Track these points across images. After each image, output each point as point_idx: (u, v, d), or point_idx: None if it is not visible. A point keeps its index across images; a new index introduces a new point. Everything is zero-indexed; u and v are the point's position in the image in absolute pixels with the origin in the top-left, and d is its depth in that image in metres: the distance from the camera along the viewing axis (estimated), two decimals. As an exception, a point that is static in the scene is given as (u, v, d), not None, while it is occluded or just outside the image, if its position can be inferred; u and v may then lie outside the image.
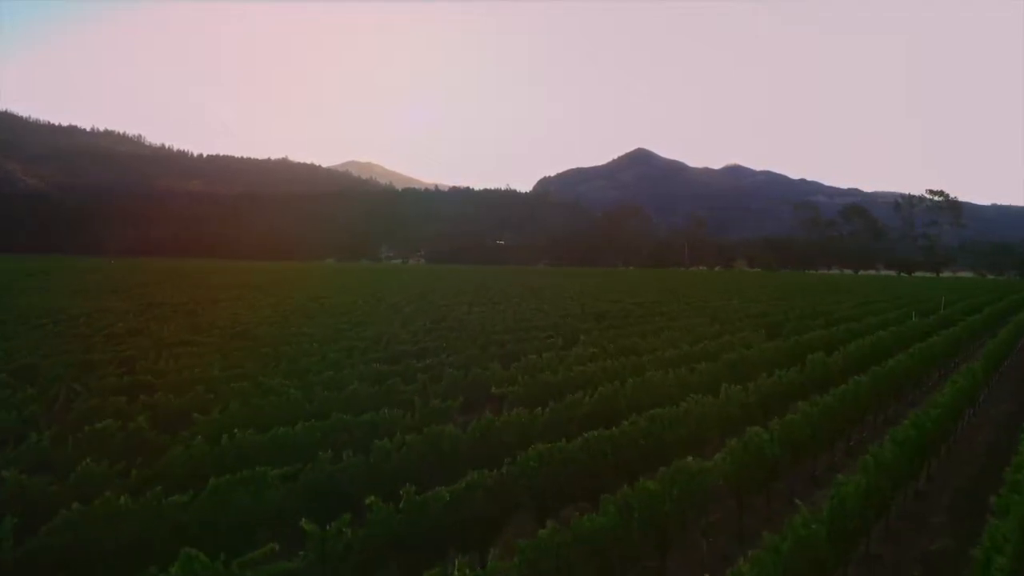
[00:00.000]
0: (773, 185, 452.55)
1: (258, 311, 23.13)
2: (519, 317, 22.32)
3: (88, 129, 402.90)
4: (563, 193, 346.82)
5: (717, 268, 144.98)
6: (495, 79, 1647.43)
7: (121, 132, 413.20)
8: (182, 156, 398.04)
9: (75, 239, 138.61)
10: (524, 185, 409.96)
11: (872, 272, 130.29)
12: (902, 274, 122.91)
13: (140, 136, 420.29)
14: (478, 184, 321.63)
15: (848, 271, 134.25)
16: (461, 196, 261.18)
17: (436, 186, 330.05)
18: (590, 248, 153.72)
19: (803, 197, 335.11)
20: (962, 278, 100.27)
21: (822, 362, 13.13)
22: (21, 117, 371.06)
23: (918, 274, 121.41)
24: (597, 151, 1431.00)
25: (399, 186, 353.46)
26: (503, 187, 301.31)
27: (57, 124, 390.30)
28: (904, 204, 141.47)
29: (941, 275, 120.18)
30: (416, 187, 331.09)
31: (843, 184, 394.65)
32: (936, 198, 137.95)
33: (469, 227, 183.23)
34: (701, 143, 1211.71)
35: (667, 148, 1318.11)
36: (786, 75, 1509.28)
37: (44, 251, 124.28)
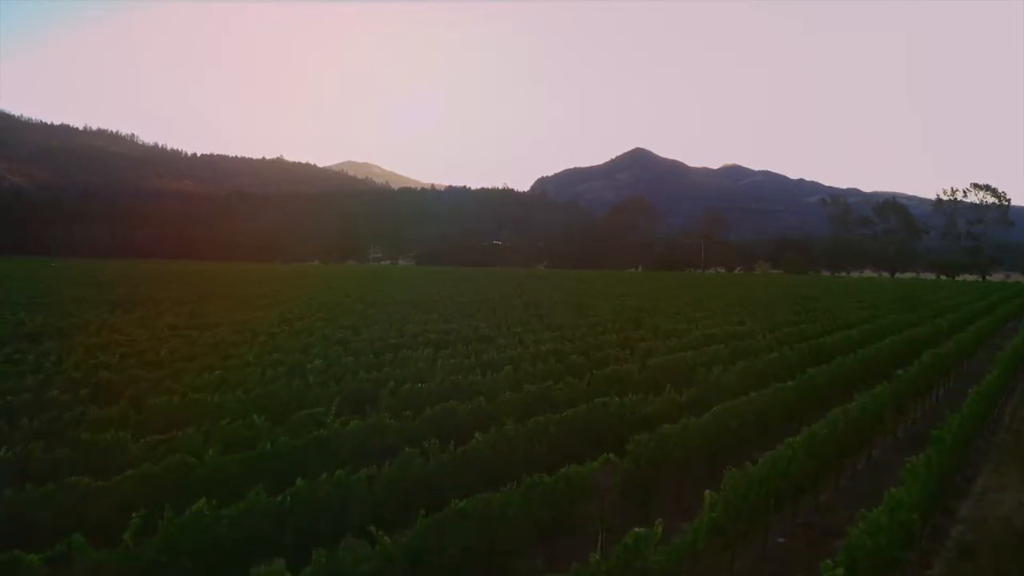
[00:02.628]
0: (772, 185, 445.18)
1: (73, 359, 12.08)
2: (522, 390, 10.61)
3: (81, 128, 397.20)
4: (561, 193, 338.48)
5: (738, 270, 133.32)
6: (493, 79, 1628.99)
7: (114, 131, 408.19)
8: (176, 155, 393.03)
9: (54, 239, 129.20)
10: (522, 185, 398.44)
11: (912, 275, 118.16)
12: (942, 277, 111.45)
13: (133, 135, 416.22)
14: (476, 184, 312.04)
15: (885, 274, 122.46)
16: (457, 196, 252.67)
17: (433, 186, 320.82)
18: (594, 248, 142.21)
19: (802, 197, 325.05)
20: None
21: None
22: (13, 116, 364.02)
23: (963, 278, 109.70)
24: (595, 151, 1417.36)
25: (396, 186, 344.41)
26: (500, 187, 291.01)
27: (49, 123, 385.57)
28: (947, 200, 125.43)
29: (988, 278, 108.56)
30: (412, 187, 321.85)
31: (842, 184, 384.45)
32: (983, 194, 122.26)
33: (465, 227, 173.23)
34: (699, 143, 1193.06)
35: (665, 148, 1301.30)
36: (785, 75, 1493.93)
37: (15, 252, 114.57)
